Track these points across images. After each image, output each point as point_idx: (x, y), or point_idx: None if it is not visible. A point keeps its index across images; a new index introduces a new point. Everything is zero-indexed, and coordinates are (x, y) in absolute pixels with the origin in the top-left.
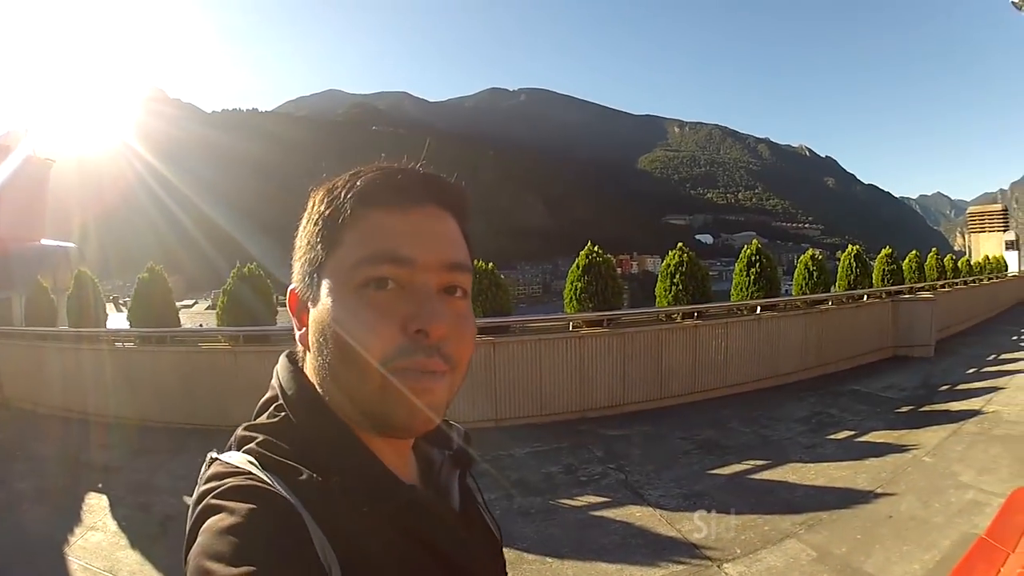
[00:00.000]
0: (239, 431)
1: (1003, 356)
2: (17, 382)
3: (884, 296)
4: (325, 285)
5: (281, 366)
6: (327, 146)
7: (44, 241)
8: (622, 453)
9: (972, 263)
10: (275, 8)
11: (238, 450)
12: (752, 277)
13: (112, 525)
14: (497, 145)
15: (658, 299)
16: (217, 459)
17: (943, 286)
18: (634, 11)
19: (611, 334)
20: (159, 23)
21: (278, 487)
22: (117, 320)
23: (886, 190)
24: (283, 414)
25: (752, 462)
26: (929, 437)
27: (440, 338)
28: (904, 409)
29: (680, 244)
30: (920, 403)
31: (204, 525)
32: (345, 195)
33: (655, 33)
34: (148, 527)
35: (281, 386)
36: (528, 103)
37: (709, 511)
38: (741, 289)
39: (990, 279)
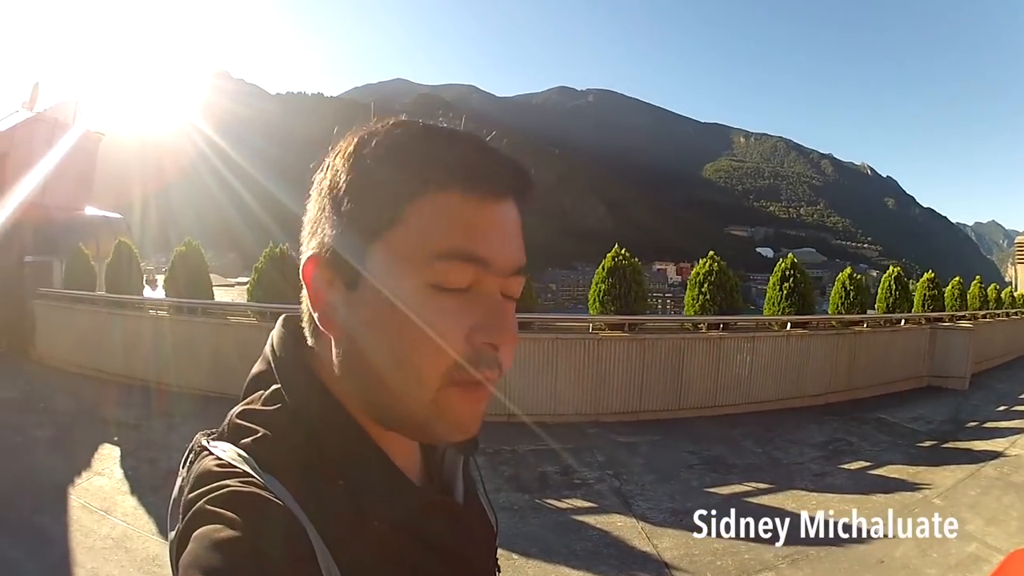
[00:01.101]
0: (232, 417)
1: None
2: (51, 341)
3: (923, 322)
4: (383, 268)
5: (278, 337)
6: None
7: (89, 211)
8: (624, 460)
9: (1016, 295)
10: None
11: (233, 442)
12: (784, 292)
13: (118, 473)
14: (562, 144)
15: (686, 308)
16: (207, 450)
17: (984, 316)
18: (704, 17)
19: (631, 339)
20: (225, 4)
21: (279, 495)
22: (160, 292)
23: (943, 214)
24: (280, 404)
25: (754, 484)
26: (945, 477)
27: (506, 351)
28: (926, 443)
29: (711, 252)
30: (944, 439)
31: (197, 533)
32: (418, 164)
33: (724, 41)
34: (151, 478)
35: (279, 364)
36: (595, 104)
37: (693, 530)
38: (773, 304)
39: None
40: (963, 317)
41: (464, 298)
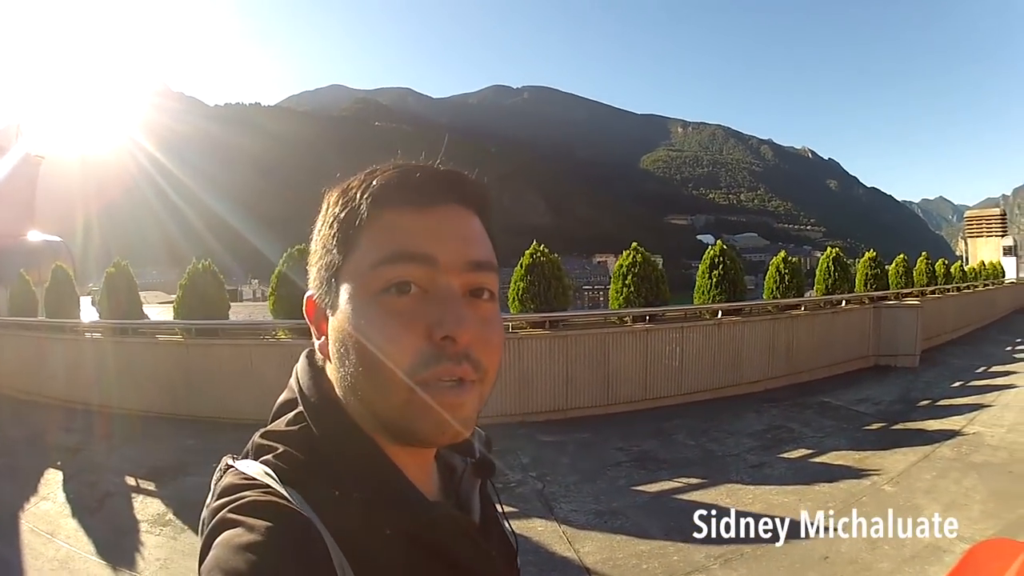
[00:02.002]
0: (256, 438)
1: (994, 368)
2: (1, 368)
3: (866, 301)
4: (343, 291)
5: (301, 368)
6: (329, 141)
7: (32, 236)
8: (549, 461)
9: (967, 269)
10: (277, 3)
11: (255, 459)
12: (714, 280)
13: (61, 497)
14: (499, 142)
15: (611, 302)
16: (232, 467)
17: (933, 292)
18: (638, 9)
19: (553, 336)
20: (161, 17)
21: (298, 503)
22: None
23: (888, 193)
24: (303, 424)
25: (685, 480)
26: (896, 461)
27: (468, 344)
28: (874, 426)
29: (634, 244)
30: (894, 420)
31: (219, 539)
32: (360, 195)
33: (658, 32)
34: (90, 501)
35: (301, 391)
36: (531, 101)
37: (617, 532)
38: (703, 292)
39: (985, 285)
40: (909, 294)
41: (419, 298)
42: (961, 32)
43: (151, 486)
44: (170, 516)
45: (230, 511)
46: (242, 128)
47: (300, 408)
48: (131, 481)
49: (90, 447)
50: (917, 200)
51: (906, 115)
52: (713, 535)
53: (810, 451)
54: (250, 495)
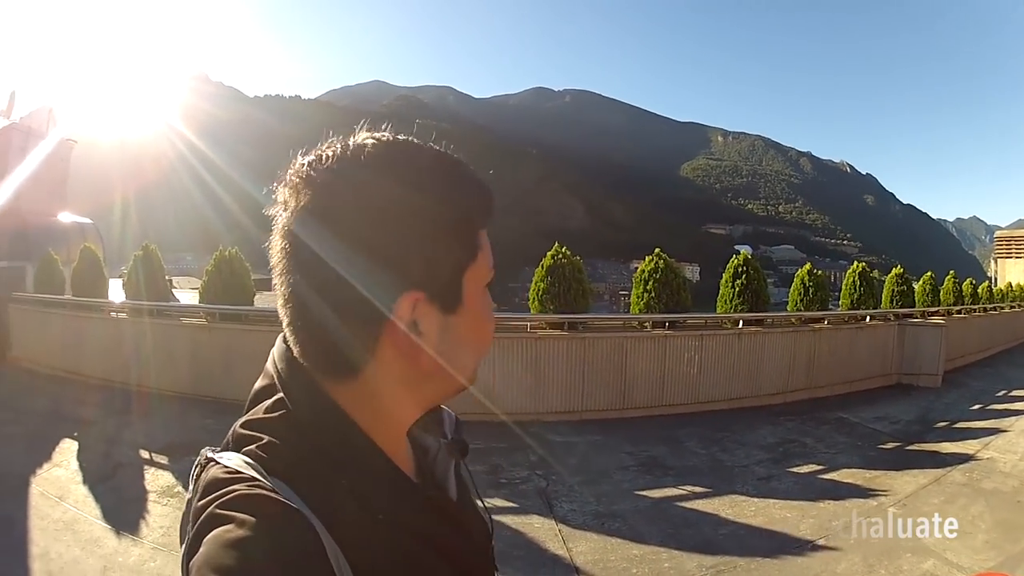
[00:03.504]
0: (237, 428)
1: (1014, 392)
2: (24, 344)
3: (892, 318)
4: (469, 288)
5: (278, 353)
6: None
7: (62, 216)
8: (558, 461)
9: (994, 290)
10: None
11: (237, 451)
12: (737, 289)
13: (74, 465)
14: (539, 145)
15: (632, 307)
16: (213, 460)
17: (959, 312)
18: (681, 17)
19: (571, 338)
20: (202, 7)
21: (287, 495)
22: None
23: (923, 211)
24: (283, 411)
25: (689, 488)
26: (905, 483)
27: None
28: (889, 445)
29: (657, 250)
30: (910, 440)
31: (209, 536)
32: (484, 199)
33: (701, 40)
34: (102, 469)
35: (280, 375)
36: (572, 104)
37: (614, 535)
38: (725, 301)
39: (1012, 307)
40: (936, 313)
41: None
42: (1000, 57)
43: (164, 460)
44: (179, 489)
45: (218, 507)
46: (282, 117)
47: (279, 395)
48: (144, 454)
49: (108, 421)
50: (951, 219)
51: (944, 133)
52: (709, 544)
53: (820, 467)
54: (237, 489)
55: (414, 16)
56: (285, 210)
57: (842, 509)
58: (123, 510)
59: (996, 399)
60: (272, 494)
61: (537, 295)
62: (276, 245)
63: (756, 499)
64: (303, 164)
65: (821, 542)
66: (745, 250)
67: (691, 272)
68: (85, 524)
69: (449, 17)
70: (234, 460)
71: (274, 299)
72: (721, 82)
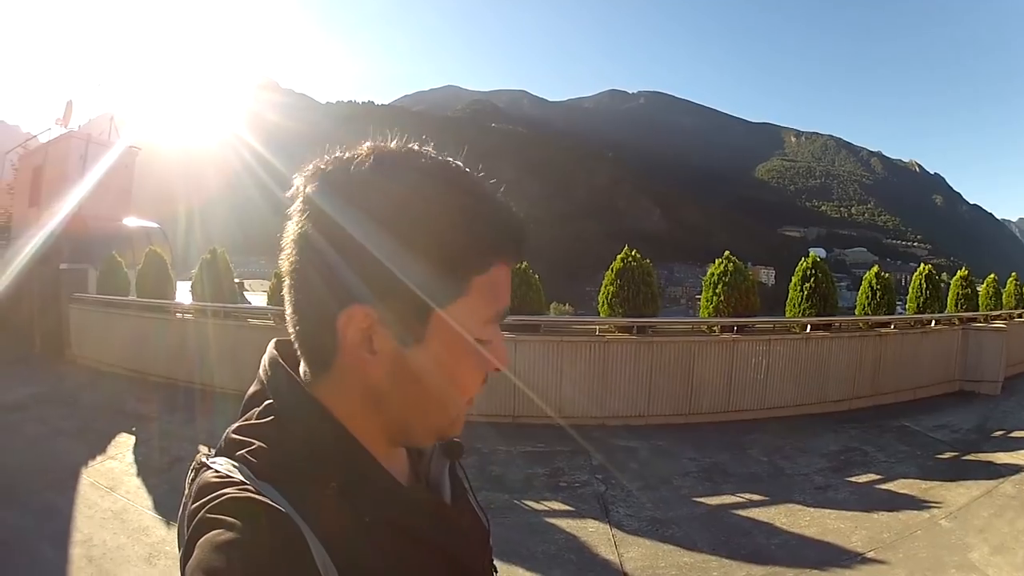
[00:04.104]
0: (229, 433)
1: None
2: (83, 342)
3: (956, 323)
4: (439, 330)
5: (269, 359)
6: (444, 141)
7: (127, 221)
8: (618, 465)
9: None
10: (395, 4)
11: (229, 456)
12: (805, 293)
13: (129, 458)
14: (614, 147)
15: (701, 310)
16: (205, 465)
17: (1020, 316)
18: (753, 17)
19: (638, 342)
20: (274, 13)
21: (275, 499)
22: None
23: (988, 211)
24: (273, 416)
25: (747, 495)
26: (959, 494)
27: None
28: (946, 455)
29: (727, 252)
30: (967, 450)
31: (201, 540)
32: (491, 237)
33: (772, 40)
34: (158, 463)
35: (271, 382)
36: (646, 106)
37: (667, 541)
38: (794, 305)
39: None
40: (998, 317)
41: (491, 341)
42: None
43: None
44: None
45: (208, 511)
46: (352, 125)
47: (269, 400)
48: (204, 449)
49: (169, 418)
50: (1015, 219)
51: (1007, 129)
52: (760, 553)
53: (878, 476)
54: (227, 493)
55: (487, 20)
56: (288, 219)
57: (895, 521)
58: (175, 501)
59: None
60: (259, 497)
61: (606, 298)
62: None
63: (812, 508)
64: (307, 174)
65: (871, 555)
66: (817, 253)
67: (766, 276)
68: (134, 513)
69: (522, 21)
70: (225, 465)
71: None
72: (792, 83)
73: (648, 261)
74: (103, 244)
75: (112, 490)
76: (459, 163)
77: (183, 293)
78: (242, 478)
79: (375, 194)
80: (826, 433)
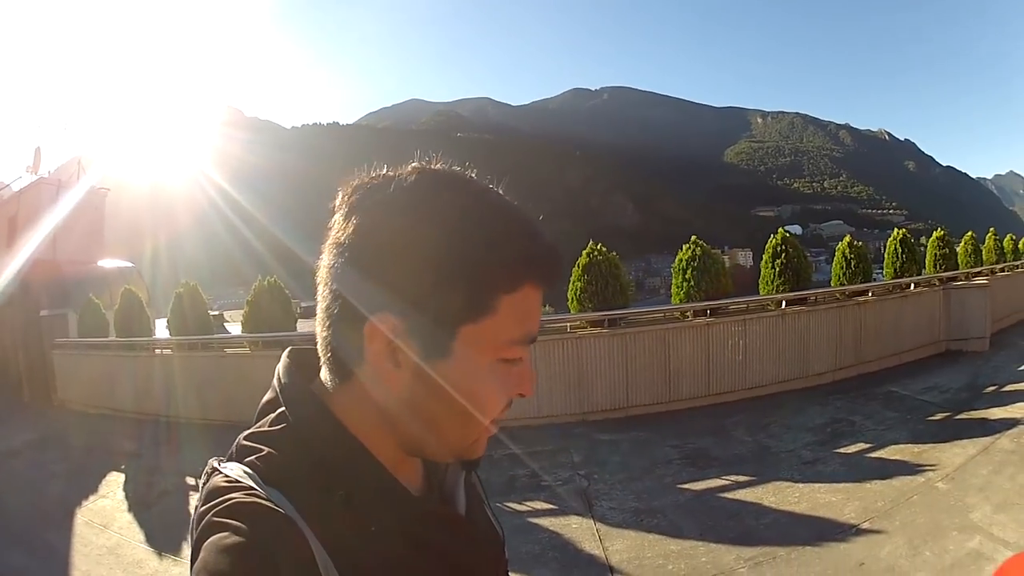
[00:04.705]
0: (240, 440)
1: None
2: (69, 386)
3: (936, 283)
4: (464, 346)
5: (283, 368)
6: (411, 155)
7: (103, 263)
8: (600, 459)
9: None
10: (352, 21)
11: (239, 461)
12: (777, 269)
13: (119, 495)
14: (582, 146)
15: (672, 297)
16: (217, 470)
17: (1002, 270)
18: (708, 2)
19: (611, 335)
20: (234, 45)
21: (281, 504)
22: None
23: (963, 171)
24: (285, 424)
25: (733, 477)
26: (954, 455)
27: None
28: (938, 416)
29: (694, 237)
30: (959, 409)
31: (207, 542)
32: (520, 258)
33: (731, 22)
34: (147, 498)
35: (284, 391)
36: (610, 102)
37: (652, 531)
38: (767, 283)
39: None
40: (979, 273)
41: (517, 366)
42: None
43: None
44: None
45: (215, 515)
46: (316, 153)
47: (282, 408)
48: (190, 480)
49: (153, 452)
50: (990, 176)
51: (973, 87)
52: (750, 534)
53: (868, 445)
54: (234, 497)
55: (446, 32)
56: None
57: (889, 488)
58: (166, 534)
59: None
60: (265, 502)
61: (575, 294)
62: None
63: (801, 484)
64: (349, 185)
65: (865, 525)
66: (792, 230)
67: (744, 258)
68: (128, 548)
69: (481, 29)
70: (235, 470)
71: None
72: (755, 64)
73: (615, 254)
74: (79, 287)
75: (106, 527)
76: (498, 189)
77: (161, 330)
78: (251, 483)
79: (414, 209)
80: (811, 407)
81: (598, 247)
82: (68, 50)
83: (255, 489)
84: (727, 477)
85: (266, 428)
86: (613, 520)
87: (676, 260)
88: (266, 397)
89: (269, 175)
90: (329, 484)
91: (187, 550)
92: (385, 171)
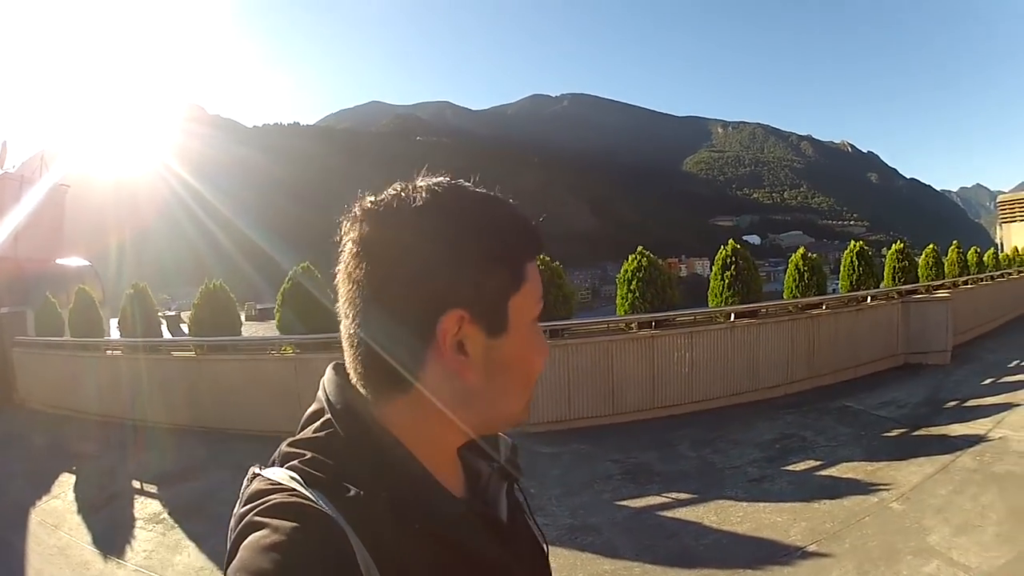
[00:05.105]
0: (283, 447)
1: None
2: (29, 385)
3: (895, 296)
4: (516, 315)
5: (328, 379)
6: (369, 158)
7: (62, 260)
8: (539, 473)
9: (1000, 256)
10: (315, 23)
11: (281, 466)
12: (727, 281)
13: (71, 496)
14: (541, 151)
15: (617, 308)
16: (259, 475)
17: (965, 282)
18: (672, 11)
19: (554, 345)
20: (196, 43)
21: (322, 504)
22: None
23: (927, 184)
24: (330, 430)
25: (674, 495)
26: (910, 473)
27: None
28: (894, 433)
29: (640, 248)
30: (917, 424)
31: (245, 541)
32: (530, 233)
33: (693, 32)
34: (97, 500)
35: (329, 399)
36: (571, 108)
37: (585, 549)
38: (716, 294)
39: (1020, 272)
40: (941, 286)
41: (537, 324)
42: (993, 22)
43: (154, 489)
44: (164, 515)
45: (256, 514)
46: (277, 152)
47: (327, 416)
48: (136, 484)
49: (105, 455)
50: (955, 189)
51: (942, 103)
52: (688, 555)
53: (818, 463)
54: (275, 498)
55: (408, 35)
56: (346, 240)
57: (839, 509)
58: (112, 536)
59: (1009, 370)
60: (307, 502)
61: None
62: (340, 272)
63: (745, 503)
64: (366, 201)
65: (812, 548)
66: (750, 239)
67: (702, 267)
68: (76, 549)
69: (442, 33)
70: (278, 474)
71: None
72: (717, 74)
73: (558, 264)
74: (37, 285)
75: (56, 528)
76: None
77: (115, 330)
78: (294, 485)
79: (443, 211)
80: (760, 422)
81: (540, 257)
82: (33, 46)
83: (297, 490)
84: (668, 494)
85: (310, 435)
86: (546, 536)
87: (621, 271)
88: (311, 409)
89: (231, 172)
90: (372, 485)
91: (130, 553)
92: (394, 189)
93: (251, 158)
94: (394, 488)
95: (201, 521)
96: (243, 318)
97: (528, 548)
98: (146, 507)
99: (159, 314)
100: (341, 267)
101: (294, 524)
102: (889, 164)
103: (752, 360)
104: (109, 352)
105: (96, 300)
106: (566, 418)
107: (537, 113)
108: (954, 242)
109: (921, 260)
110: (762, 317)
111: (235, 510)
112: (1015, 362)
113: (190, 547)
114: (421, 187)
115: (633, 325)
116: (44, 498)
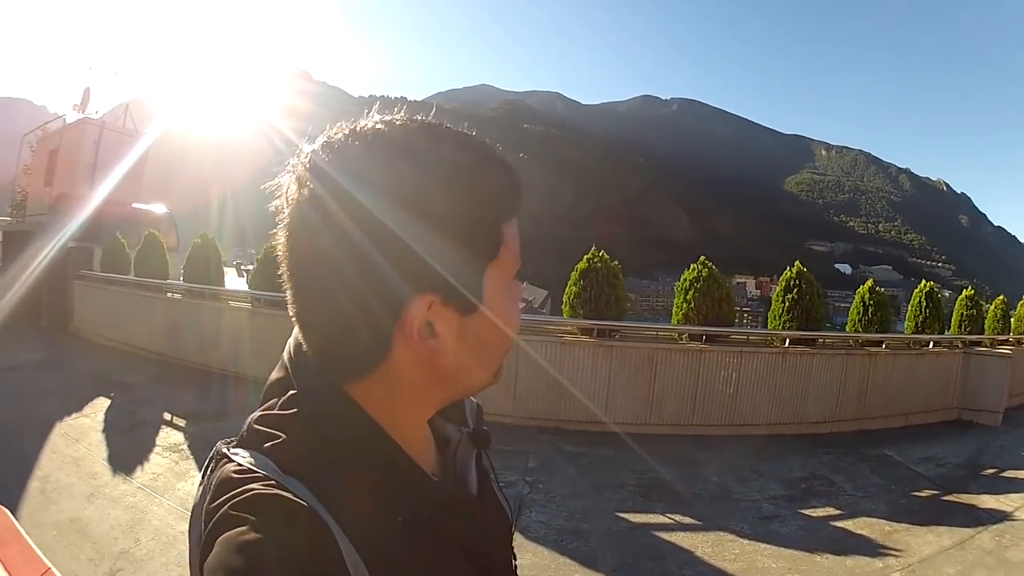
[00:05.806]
0: (252, 423)
1: None
2: (86, 317)
3: (959, 345)
4: (491, 280)
5: (294, 344)
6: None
7: (138, 205)
8: (555, 469)
9: None
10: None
11: (253, 447)
12: (787, 304)
13: (100, 417)
14: (645, 153)
15: (672, 317)
16: (227, 456)
17: None
18: (787, 28)
19: (598, 345)
20: (307, 6)
21: (303, 495)
22: (237, 283)
23: (1013, 234)
24: (300, 407)
25: (679, 517)
26: (926, 543)
27: None
28: (925, 493)
29: (702, 258)
30: (949, 488)
31: (222, 537)
32: (509, 190)
33: (806, 52)
34: (123, 424)
35: (295, 369)
36: (679, 113)
37: (565, 554)
38: (775, 316)
39: None
40: (1004, 341)
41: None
42: None
43: (182, 423)
44: (183, 447)
45: (232, 507)
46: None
47: (294, 392)
48: (167, 416)
49: (146, 387)
50: None
51: None
52: None
53: (837, 511)
54: (252, 489)
55: (523, 21)
56: (289, 203)
57: (839, 567)
58: (127, 456)
59: None
60: (287, 494)
61: (569, 299)
62: (281, 240)
63: (746, 541)
64: (310, 152)
65: None
66: (843, 268)
67: None
68: (89, 462)
69: (559, 22)
70: (248, 458)
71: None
72: (825, 95)
73: (616, 263)
74: (111, 226)
75: (77, 441)
76: (464, 130)
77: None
78: (267, 472)
79: (390, 175)
80: (794, 456)
81: (599, 254)
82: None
83: (273, 480)
84: (673, 515)
85: (279, 412)
86: (533, 533)
87: (680, 279)
88: (275, 375)
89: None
90: (352, 473)
91: (139, 472)
92: (347, 127)
93: (357, 116)
94: (374, 476)
95: None
96: None
97: (496, 521)
98: (168, 437)
99: (242, 267)
100: (282, 239)
101: (273, 519)
102: (979, 209)
103: (801, 391)
104: (169, 295)
105: (165, 245)
106: (600, 420)
107: (647, 114)
108: None
109: (990, 310)
110: (818, 347)
111: (202, 496)
112: None
113: (196, 478)
114: (379, 129)
115: (684, 336)
116: (73, 415)
